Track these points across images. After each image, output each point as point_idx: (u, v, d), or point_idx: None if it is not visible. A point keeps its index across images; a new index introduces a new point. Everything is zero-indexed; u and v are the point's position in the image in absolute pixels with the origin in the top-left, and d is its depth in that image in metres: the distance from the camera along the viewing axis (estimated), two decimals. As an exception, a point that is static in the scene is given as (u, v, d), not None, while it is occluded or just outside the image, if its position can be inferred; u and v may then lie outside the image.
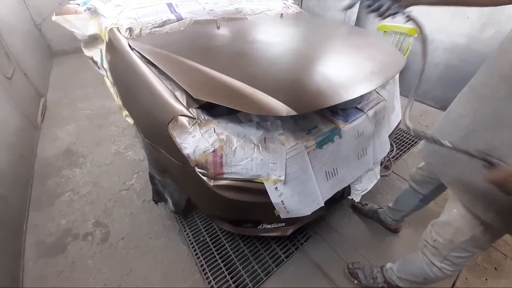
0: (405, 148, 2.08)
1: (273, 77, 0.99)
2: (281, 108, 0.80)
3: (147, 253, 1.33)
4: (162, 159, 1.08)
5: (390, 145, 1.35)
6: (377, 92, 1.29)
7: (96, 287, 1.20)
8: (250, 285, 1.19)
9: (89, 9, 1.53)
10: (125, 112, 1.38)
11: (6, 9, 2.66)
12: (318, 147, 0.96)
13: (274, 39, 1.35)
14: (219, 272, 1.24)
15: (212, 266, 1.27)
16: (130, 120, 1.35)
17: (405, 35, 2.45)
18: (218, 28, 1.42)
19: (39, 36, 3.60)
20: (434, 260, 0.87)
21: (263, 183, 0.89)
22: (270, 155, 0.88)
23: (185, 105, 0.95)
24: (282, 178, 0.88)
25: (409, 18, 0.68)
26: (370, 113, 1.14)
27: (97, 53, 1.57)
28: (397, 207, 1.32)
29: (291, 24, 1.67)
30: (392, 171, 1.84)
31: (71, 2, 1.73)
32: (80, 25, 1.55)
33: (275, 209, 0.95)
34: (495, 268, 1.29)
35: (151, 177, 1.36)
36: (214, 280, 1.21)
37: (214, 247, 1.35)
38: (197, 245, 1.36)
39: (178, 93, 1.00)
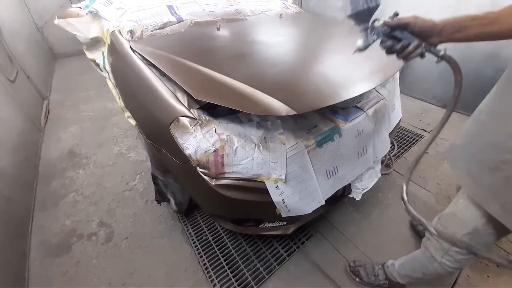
0: (406, 146, 2.08)
1: (272, 77, 1.00)
2: (281, 108, 0.81)
3: (151, 252, 1.35)
4: (164, 160, 1.09)
5: (391, 143, 1.36)
6: (376, 91, 1.29)
7: (101, 286, 1.21)
8: (252, 283, 1.20)
9: (91, 12, 1.54)
10: (127, 114, 1.40)
11: (7, 12, 2.69)
12: (318, 146, 0.96)
13: (274, 39, 1.36)
14: (221, 271, 1.26)
15: (214, 265, 1.28)
16: (132, 122, 1.36)
17: (405, 33, 2.45)
18: (218, 29, 1.43)
19: (41, 39, 3.64)
20: (435, 255, 0.86)
21: (264, 182, 0.90)
22: (270, 155, 0.89)
23: (186, 106, 0.96)
24: (283, 177, 0.89)
25: (443, 58, 0.57)
26: (370, 111, 1.15)
27: (99, 56, 1.59)
28: None
29: (290, 24, 1.68)
30: (393, 170, 1.84)
31: (73, 5, 1.75)
32: (82, 28, 1.57)
33: (276, 207, 0.96)
34: (497, 266, 1.29)
35: (154, 178, 1.37)
36: (217, 279, 1.22)
37: (216, 246, 1.36)
38: (199, 244, 1.37)
39: (179, 94, 1.01)
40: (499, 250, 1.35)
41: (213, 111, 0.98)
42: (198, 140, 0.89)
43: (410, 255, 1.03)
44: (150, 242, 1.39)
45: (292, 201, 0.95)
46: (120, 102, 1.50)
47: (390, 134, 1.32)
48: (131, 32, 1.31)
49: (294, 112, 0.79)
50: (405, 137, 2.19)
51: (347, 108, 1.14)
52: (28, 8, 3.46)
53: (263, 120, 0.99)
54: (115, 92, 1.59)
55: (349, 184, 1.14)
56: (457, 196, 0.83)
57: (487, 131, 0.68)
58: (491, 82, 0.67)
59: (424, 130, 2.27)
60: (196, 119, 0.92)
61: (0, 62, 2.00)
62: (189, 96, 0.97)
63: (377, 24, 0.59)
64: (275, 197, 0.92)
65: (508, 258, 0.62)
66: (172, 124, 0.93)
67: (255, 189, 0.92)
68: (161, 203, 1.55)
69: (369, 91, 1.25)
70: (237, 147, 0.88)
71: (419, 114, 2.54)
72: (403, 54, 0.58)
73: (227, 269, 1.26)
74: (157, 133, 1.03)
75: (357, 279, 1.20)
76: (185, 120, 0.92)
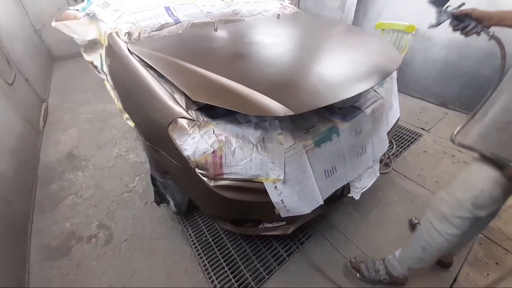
0: (404, 145, 2.09)
1: (270, 78, 1.01)
2: (279, 108, 0.81)
3: (151, 254, 1.35)
4: (163, 161, 1.09)
5: (390, 142, 1.36)
6: (374, 90, 1.30)
7: (101, 288, 1.22)
8: (252, 284, 1.20)
9: (88, 14, 1.54)
10: (126, 115, 1.40)
11: (5, 15, 2.68)
12: (316, 146, 0.97)
13: (271, 40, 1.37)
14: (221, 271, 1.26)
15: (214, 265, 1.28)
16: (130, 123, 1.36)
17: (403, 32, 2.46)
18: (216, 30, 1.43)
19: (39, 41, 3.63)
20: (434, 222, 0.89)
21: (262, 182, 0.90)
22: (269, 155, 0.89)
23: (184, 107, 0.96)
24: (281, 177, 0.90)
25: (492, 37, 0.78)
26: (368, 111, 1.16)
27: (97, 58, 1.59)
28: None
29: (287, 25, 1.68)
30: (392, 169, 1.85)
31: (70, 8, 1.75)
32: (79, 30, 1.57)
33: (275, 208, 0.96)
34: (497, 263, 1.29)
35: (153, 179, 1.37)
36: (217, 280, 1.22)
37: (216, 247, 1.36)
38: (199, 245, 1.37)
39: (177, 96, 1.01)
40: (498, 248, 1.36)
41: (211, 112, 0.98)
42: (196, 141, 0.89)
43: (410, 240, 1.05)
44: (150, 244, 1.39)
45: (291, 201, 0.95)
46: (118, 104, 1.49)
47: (388, 133, 1.33)
48: (129, 34, 1.31)
49: (291, 113, 0.79)
50: (404, 136, 2.20)
51: (345, 107, 1.14)
52: (26, 10, 3.45)
53: (261, 120, 0.99)
54: (113, 94, 1.59)
55: (348, 183, 1.14)
56: (469, 165, 0.89)
57: (499, 98, 0.78)
58: (489, 81, 0.75)
59: (423, 129, 2.28)
60: (194, 120, 0.92)
61: (-2, 65, 2.00)
62: (187, 97, 0.97)
63: (448, 9, 0.80)
64: (274, 197, 0.92)
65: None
66: (170, 126, 0.93)
67: (253, 189, 0.92)
68: (161, 204, 1.55)
69: (367, 91, 1.25)
70: (235, 148, 0.89)
71: (417, 112, 2.55)
72: (464, 31, 0.80)
73: (227, 270, 1.26)
74: (156, 134, 1.03)
75: (358, 274, 1.21)
76: (183, 122, 0.92)
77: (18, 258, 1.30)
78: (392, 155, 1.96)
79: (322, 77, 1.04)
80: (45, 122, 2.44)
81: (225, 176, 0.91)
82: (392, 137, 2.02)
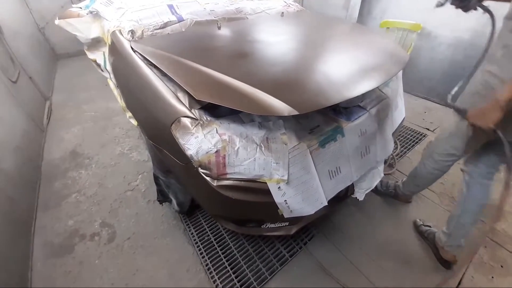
0: (409, 145, 2.07)
1: (274, 77, 0.99)
2: (283, 108, 0.80)
3: (153, 252, 1.35)
4: (166, 160, 1.09)
5: (394, 142, 1.35)
6: (380, 90, 1.28)
7: (104, 287, 1.22)
8: (254, 284, 1.20)
9: (91, 12, 1.54)
10: (129, 114, 1.40)
11: (9, 13, 2.69)
12: (320, 146, 0.95)
13: (275, 38, 1.35)
14: (224, 271, 1.25)
15: (217, 265, 1.28)
16: (133, 122, 1.36)
17: (408, 31, 2.43)
18: (219, 28, 1.42)
19: (43, 39, 3.64)
20: (423, 157, 1.26)
21: (266, 183, 0.89)
22: (272, 155, 0.88)
23: (187, 106, 0.95)
24: (285, 177, 0.88)
25: (486, 10, 0.93)
26: (373, 111, 1.14)
27: (100, 56, 1.59)
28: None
29: (291, 23, 1.66)
30: (396, 169, 1.83)
31: (73, 5, 1.74)
32: (82, 28, 1.57)
33: (278, 208, 0.95)
34: (501, 266, 1.27)
35: (156, 178, 1.37)
36: (219, 279, 1.22)
37: (218, 246, 1.36)
38: (201, 244, 1.37)
39: (180, 94, 1.00)
40: (502, 251, 1.34)
41: (214, 111, 0.97)
42: (199, 140, 0.88)
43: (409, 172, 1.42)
44: (153, 242, 1.39)
45: (295, 202, 0.94)
46: (121, 102, 1.49)
47: (393, 134, 1.31)
48: (132, 32, 1.30)
49: (296, 112, 0.78)
50: (409, 136, 2.17)
51: (350, 107, 1.13)
52: (30, 8, 3.46)
53: (265, 120, 0.98)
54: (116, 92, 1.59)
55: (352, 184, 1.13)
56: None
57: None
58: (462, 67, 0.90)
59: (428, 129, 2.25)
60: (197, 119, 0.92)
61: (1, 63, 2.01)
62: (190, 96, 0.96)
63: None
64: (277, 198, 0.91)
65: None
66: (173, 125, 0.92)
67: (257, 190, 0.91)
68: (163, 203, 1.55)
69: (372, 90, 1.24)
70: (238, 148, 0.88)
71: (422, 113, 2.52)
72: (464, 7, 0.94)
73: (229, 270, 1.25)
74: (159, 133, 1.03)
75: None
76: (186, 121, 0.91)
77: (21, 255, 1.31)
78: (396, 155, 1.94)
79: (326, 76, 1.02)
80: (49, 120, 2.45)
81: (228, 176, 0.90)
82: (396, 138, 2.00)
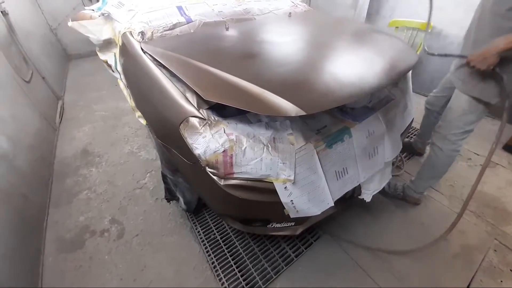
0: (418, 146, 2.03)
1: (281, 77, 1.00)
2: (290, 108, 0.80)
3: (160, 249, 1.37)
4: (174, 159, 1.11)
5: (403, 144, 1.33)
6: (388, 90, 1.27)
7: (113, 281, 1.25)
8: (260, 283, 1.21)
9: (103, 14, 1.58)
10: (138, 113, 1.43)
11: (22, 14, 2.75)
12: (327, 147, 0.95)
13: (282, 38, 1.36)
14: (229, 269, 1.27)
15: (222, 263, 1.29)
16: (142, 121, 1.39)
17: (418, 30, 2.39)
18: (227, 29, 1.43)
19: (55, 40, 3.74)
20: (437, 142, 1.30)
21: (272, 182, 0.90)
22: (279, 155, 0.89)
23: (195, 106, 0.97)
24: (292, 177, 0.89)
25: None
26: (381, 112, 1.13)
27: (111, 57, 1.62)
28: (422, 130, 1.79)
29: (299, 23, 1.66)
30: (405, 171, 1.80)
31: (86, 7, 1.79)
32: (95, 30, 1.61)
33: (285, 208, 0.96)
34: (511, 270, 1.24)
35: (164, 176, 1.40)
36: (225, 278, 1.23)
37: (224, 245, 1.37)
38: (208, 242, 1.38)
39: (188, 95, 1.02)
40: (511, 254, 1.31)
41: (222, 111, 0.98)
42: (207, 140, 0.89)
43: (420, 168, 1.46)
44: (160, 240, 1.42)
45: (301, 202, 0.94)
46: (131, 102, 1.52)
47: (402, 135, 1.29)
48: (142, 33, 1.33)
49: (303, 113, 0.79)
50: (417, 137, 2.13)
51: (358, 108, 1.12)
52: (42, 10, 3.54)
53: (272, 120, 0.99)
54: (126, 92, 1.62)
55: (359, 185, 1.12)
56: (452, 99, 1.26)
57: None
58: None
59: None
60: (205, 119, 0.93)
61: (15, 63, 2.07)
62: (198, 96, 0.97)
63: None
64: (284, 197, 0.92)
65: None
66: (181, 124, 0.94)
67: (263, 189, 0.92)
68: (171, 201, 1.58)
69: (380, 91, 1.23)
70: (246, 148, 0.89)
71: (432, 113, 2.47)
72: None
73: (235, 268, 1.27)
74: (167, 133, 1.05)
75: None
76: (194, 121, 0.93)
77: (33, 250, 1.36)
78: (404, 157, 1.91)
79: (334, 76, 1.02)
80: (61, 119, 2.52)
81: (235, 176, 0.91)
82: (405, 139, 1.97)
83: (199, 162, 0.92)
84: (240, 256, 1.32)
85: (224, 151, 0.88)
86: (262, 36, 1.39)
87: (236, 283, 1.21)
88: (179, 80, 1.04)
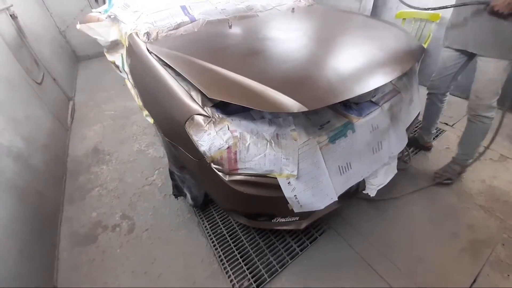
0: (425, 141, 2.00)
1: (284, 74, 1.01)
2: (292, 104, 0.81)
3: (169, 243, 1.42)
4: (180, 156, 1.14)
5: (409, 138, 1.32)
6: (393, 84, 1.25)
7: (125, 274, 1.31)
8: (265, 276, 1.24)
9: (110, 16, 1.62)
10: (145, 112, 1.46)
11: (31, 17, 2.82)
12: (330, 142, 0.96)
13: (285, 35, 1.36)
14: (236, 263, 1.30)
15: (229, 257, 1.33)
16: (150, 120, 1.43)
17: (426, 21, 2.33)
18: (230, 27, 1.44)
19: (64, 42, 3.84)
20: (484, 113, 1.34)
21: (276, 178, 0.92)
22: (282, 151, 0.90)
23: (200, 104, 0.99)
24: (295, 173, 0.90)
25: None
26: (386, 106, 1.12)
27: (119, 58, 1.67)
28: (426, 122, 1.80)
29: (302, 18, 1.65)
30: (411, 165, 1.78)
31: (93, 10, 1.84)
32: (102, 32, 1.65)
33: (288, 203, 0.97)
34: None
35: (171, 173, 1.44)
36: (231, 271, 1.27)
37: (231, 239, 1.41)
38: (214, 237, 1.42)
39: (193, 93, 1.04)
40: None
41: (226, 108, 1.00)
42: (212, 137, 0.92)
43: (461, 140, 1.55)
44: (169, 234, 1.47)
45: (304, 197, 0.96)
46: (138, 101, 1.57)
47: (407, 129, 1.28)
48: (147, 34, 1.36)
49: (306, 109, 0.80)
50: (425, 131, 2.10)
51: (362, 102, 1.12)
52: (50, 12, 3.61)
53: (275, 116, 1.00)
54: (133, 92, 1.67)
55: (364, 180, 1.12)
56: (477, 72, 1.32)
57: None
58: None
59: (446, 124, 2.16)
60: (210, 117, 0.95)
61: (27, 65, 2.13)
62: (202, 94, 1.00)
63: None
64: (287, 192, 0.94)
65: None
66: (187, 122, 0.96)
67: (267, 184, 0.94)
68: (178, 197, 1.62)
69: (385, 85, 1.22)
70: (249, 144, 0.91)
71: (441, 106, 2.41)
72: None
73: (241, 262, 1.30)
74: (173, 131, 1.08)
75: (449, 181, 1.61)
76: (199, 118, 0.95)
77: (48, 245, 1.42)
78: (411, 151, 1.89)
79: (337, 71, 1.02)
80: (73, 119, 2.61)
81: (239, 171, 0.93)
82: (411, 133, 1.94)
83: (205, 158, 0.94)
84: (246, 249, 1.36)
85: (228, 147, 0.90)
86: (265, 33, 1.40)
87: (242, 275, 1.25)
88: (184, 79, 1.06)
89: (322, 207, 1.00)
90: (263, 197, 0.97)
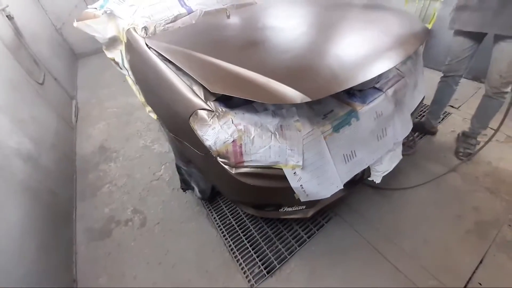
0: (430, 124, 1.98)
1: (286, 64, 1.00)
2: (295, 95, 0.81)
3: (181, 235, 1.47)
4: (186, 151, 1.16)
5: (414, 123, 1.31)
6: (397, 69, 1.23)
7: (140, 265, 1.36)
8: (275, 262, 1.28)
9: (106, 12, 1.59)
10: (148, 108, 1.48)
11: (26, 17, 2.78)
12: (334, 131, 0.96)
13: (285, 23, 1.33)
14: (246, 251, 1.35)
15: (239, 246, 1.37)
16: (153, 115, 1.44)
17: (430, 0, 2.24)
18: (228, 17, 1.41)
19: (62, 40, 3.80)
20: (505, 89, 1.37)
21: (281, 169, 0.93)
22: (287, 142, 0.91)
23: (203, 99, 1.00)
24: (300, 163, 0.91)
25: None
26: (390, 92, 1.11)
27: (118, 54, 1.66)
28: (436, 106, 1.78)
29: (301, 4, 1.60)
30: (416, 150, 1.78)
31: (88, 6, 1.81)
32: (99, 29, 1.63)
33: (295, 193, 0.99)
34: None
35: (178, 168, 1.46)
36: (242, 259, 1.31)
37: (239, 229, 1.45)
38: (224, 227, 1.46)
39: (195, 88, 1.04)
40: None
41: (228, 101, 1.00)
42: (216, 131, 0.93)
43: (478, 111, 1.61)
44: (180, 226, 1.51)
45: (310, 186, 0.97)
46: (140, 98, 1.57)
47: (412, 114, 1.27)
48: (145, 28, 1.35)
49: (308, 99, 0.79)
50: (430, 114, 2.07)
51: (365, 89, 1.11)
52: (45, 10, 3.54)
53: (278, 108, 1.00)
54: (135, 88, 1.67)
55: (368, 167, 1.13)
56: (494, 55, 1.36)
57: None
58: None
59: (452, 106, 2.12)
60: (213, 111, 0.96)
61: (27, 66, 2.12)
62: (205, 89, 1.00)
63: None
64: (293, 183, 0.95)
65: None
66: (191, 118, 0.97)
67: (273, 176, 0.95)
68: (186, 191, 1.66)
69: (389, 70, 1.19)
70: (254, 137, 0.91)
71: (446, 88, 2.36)
72: None
73: (251, 250, 1.34)
74: (178, 126, 1.09)
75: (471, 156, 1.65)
76: (203, 113, 0.96)
77: (66, 241, 1.49)
78: (416, 136, 1.88)
79: (339, 59, 1.01)
80: (77, 118, 2.63)
81: (245, 164, 0.94)
82: (416, 117, 1.92)
83: (210, 152, 0.96)
84: (255, 238, 1.40)
85: (233, 141, 0.91)
86: (264, 21, 1.37)
87: (253, 263, 1.29)
88: (185, 73, 1.06)
89: (328, 195, 1.02)
90: (270, 188, 0.99)
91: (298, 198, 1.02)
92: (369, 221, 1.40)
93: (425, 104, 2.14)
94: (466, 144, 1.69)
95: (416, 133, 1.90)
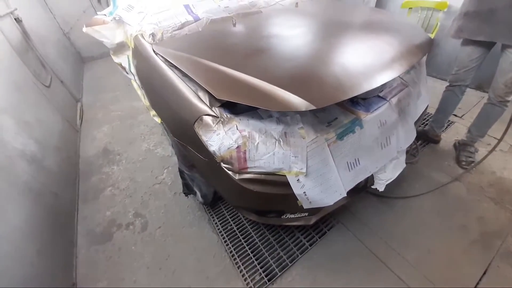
0: (433, 133, 1.98)
1: (291, 72, 1.01)
2: (300, 103, 0.82)
3: (182, 240, 1.46)
4: (190, 156, 1.16)
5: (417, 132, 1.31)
6: (401, 78, 1.24)
7: (140, 270, 1.36)
8: (276, 270, 1.27)
9: (115, 18, 1.63)
10: (153, 112, 1.49)
11: (35, 20, 2.83)
12: (338, 139, 0.97)
13: (290, 31, 1.35)
14: (247, 258, 1.34)
15: (240, 252, 1.36)
16: (157, 119, 1.45)
17: (433, 10, 2.27)
18: (234, 25, 1.44)
19: (69, 44, 3.87)
20: (505, 97, 1.40)
21: (285, 175, 0.93)
22: (291, 149, 0.91)
23: (208, 104, 1.01)
24: (304, 170, 0.92)
25: None
26: (394, 100, 1.12)
27: (125, 59, 1.68)
28: (440, 114, 1.79)
29: (306, 13, 1.63)
30: (420, 158, 1.77)
31: (98, 13, 1.85)
32: (108, 34, 1.67)
33: (298, 200, 0.99)
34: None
35: (181, 172, 1.47)
36: (243, 265, 1.30)
37: (241, 235, 1.44)
38: (225, 233, 1.46)
39: (201, 93, 1.05)
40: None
41: (233, 108, 1.01)
42: (221, 137, 0.93)
43: (478, 118, 1.63)
44: (181, 231, 1.51)
45: (313, 193, 0.97)
46: (145, 102, 1.59)
47: (416, 122, 1.27)
48: (153, 35, 1.37)
49: (313, 107, 0.80)
50: (433, 123, 2.07)
51: (369, 98, 1.12)
52: (54, 14, 3.61)
53: (282, 115, 1.01)
54: (140, 92, 1.69)
55: (372, 175, 1.13)
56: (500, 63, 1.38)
57: None
58: None
59: (455, 115, 2.13)
60: (218, 117, 0.97)
61: (34, 68, 2.15)
62: (210, 94, 1.01)
63: None
64: (297, 189, 0.95)
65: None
66: (196, 123, 0.98)
67: (277, 182, 0.95)
68: (188, 195, 1.66)
69: (393, 79, 1.21)
70: (258, 143, 0.92)
71: (449, 97, 2.37)
72: None
73: (252, 257, 1.33)
74: (183, 131, 1.10)
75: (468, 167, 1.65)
76: (208, 119, 0.96)
77: (66, 244, 1.48)
78: (419, 144, 1.87)
79: (344, 68, 1.02)
80: (82, 121, 2.66)
81: (249, 170, 0.95)
82: (419, 126, 1.92)
83: (214, 158, 0.96)
84: (257, 245, 1.39)
85: (237, 147, 0.92)
86: (269, 30, 1.39)
87: (254, 270, 1.28)
88: (191, 79, 1.08)
89: (331, 203, 1.01)
90: (273, 195, 0.99)
91: (301, 205, 1.01)
92: (372, 230, 1.39)
93: (429, 113, 2.14)
94: (466, 152, 1.70)
95: (419, 141, 1.90)
